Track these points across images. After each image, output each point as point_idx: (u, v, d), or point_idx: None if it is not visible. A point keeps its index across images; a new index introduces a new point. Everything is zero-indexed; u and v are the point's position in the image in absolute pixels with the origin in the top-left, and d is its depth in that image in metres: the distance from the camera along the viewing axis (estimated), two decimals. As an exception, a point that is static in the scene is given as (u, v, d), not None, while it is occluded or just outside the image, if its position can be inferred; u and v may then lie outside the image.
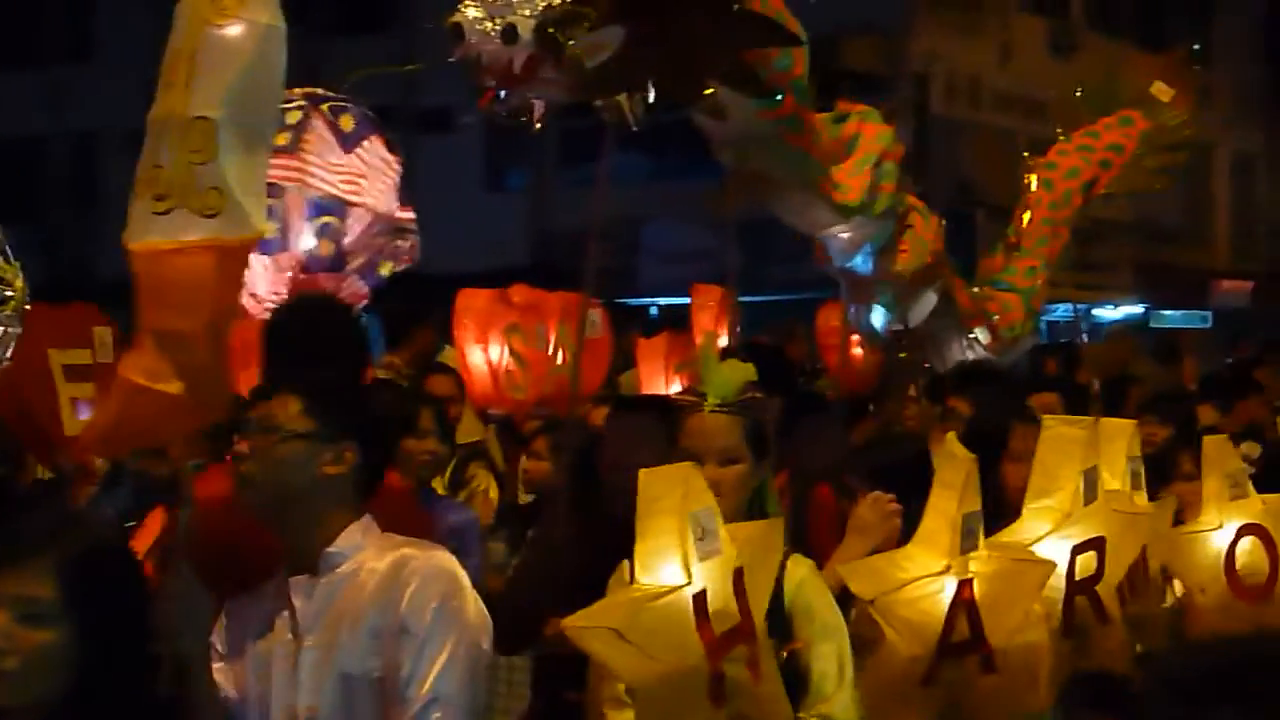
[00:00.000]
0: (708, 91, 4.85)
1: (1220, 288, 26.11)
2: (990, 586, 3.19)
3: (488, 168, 24.61)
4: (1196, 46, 9.40)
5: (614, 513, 4.05)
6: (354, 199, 5.98)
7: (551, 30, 4.17)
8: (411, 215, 6.15)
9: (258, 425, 3.11)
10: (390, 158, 6.10)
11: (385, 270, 6.13)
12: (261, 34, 3.43)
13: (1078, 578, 3.52)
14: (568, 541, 4.25)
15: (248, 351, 4.26)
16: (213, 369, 3.38)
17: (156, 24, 3.61)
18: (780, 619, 3.26)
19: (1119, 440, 3.83)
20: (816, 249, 6.72)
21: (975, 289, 7.65)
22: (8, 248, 6.20)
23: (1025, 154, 8.24)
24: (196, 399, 3.36)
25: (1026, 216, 7.87)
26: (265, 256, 5.96)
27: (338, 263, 5.96)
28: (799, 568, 3.43)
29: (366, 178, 6.06)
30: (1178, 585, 4.12)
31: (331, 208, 5.91)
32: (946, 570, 3.16)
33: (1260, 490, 4.12)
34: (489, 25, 4.20)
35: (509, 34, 4.17)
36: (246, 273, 3.85)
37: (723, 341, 7.06)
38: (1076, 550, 3.51)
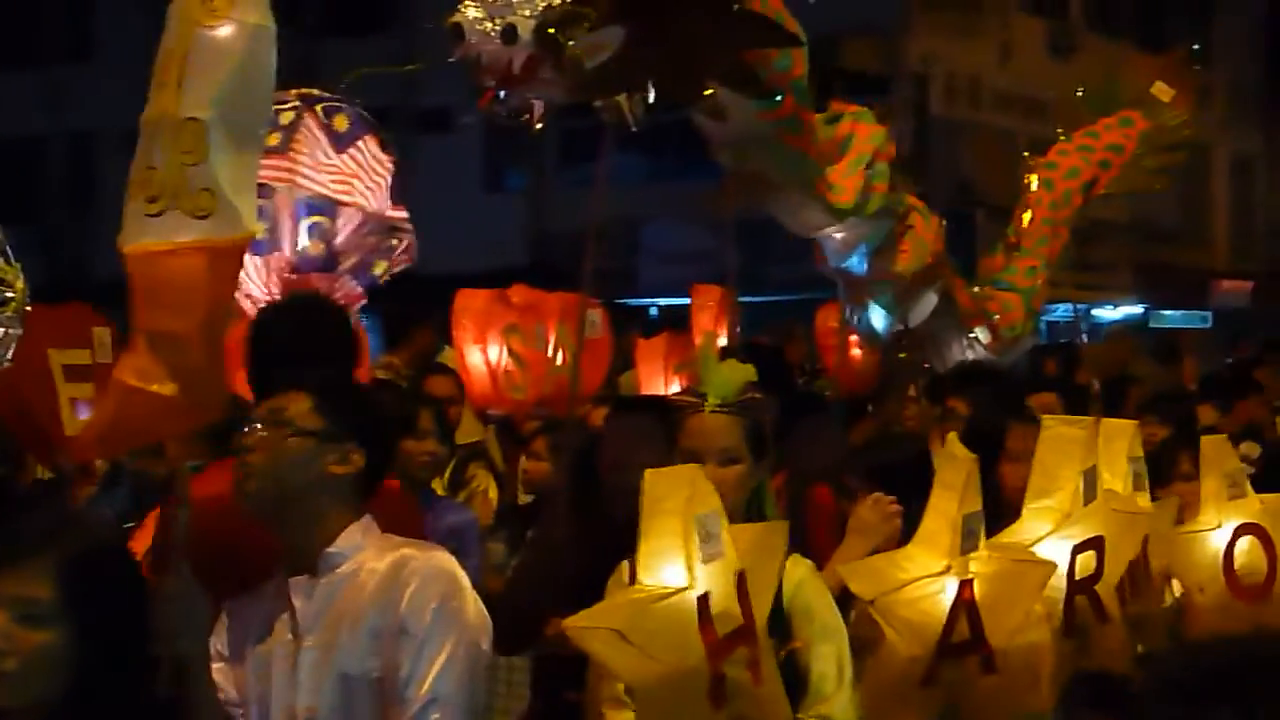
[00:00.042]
0: (707, 92, 4.84)
1: (1220, 288, 26.13)
2: (991, 587, 3.19)
3: (487, 168, 24.63)
4: (1196, 47, 9.38)
5: (613, 513, 4.06)
6: (344, 198, 5.97)
7: (551, 30, 4.17)
8: (404, 214, 6.14)
9: (267, 418, 3.11)
10: (383, 157, 6.09)
11: (379, 270, 6.11)
12: (251, 34, 3.42)
13: (1078, 577, 3.52)
14: (567, 542, 4.25)
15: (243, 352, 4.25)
16: (207, 370, 3.37)
17: (155, 24, 3.60)
18: (779, 619, 3.26)
19: (1120, 441, 3.83)
20: (816, 249, 6.72)
21: (975, 289, 7.64)
22: (8, 249, 6.19)
23: (1025, 154, 8.23)
24: (191, 400, 3.35)
25: (1027, 216, 7.86)
26: (256, 257, 5.95)
27: (329, 263, 5.95)
28: (798, 568, 3.43)
29: (358, 177, 6.05)
30: (1176, 585, 4.12)
31: (321, 207, 5.90)
32: (947, 571, 3.16)
33: (1260, 490, 4.12)
34: (489, 25, 4.20)
35: (509, 34, 4.17)
36: (241, 274, 3.84)
37: (722, 342, 7.07)
38: (1076, 550, 3.51)
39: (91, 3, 26.81)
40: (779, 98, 5.20)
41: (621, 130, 4.56)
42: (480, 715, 3.11)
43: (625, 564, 3.42)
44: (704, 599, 2.81)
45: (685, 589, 2.80)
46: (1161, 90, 8.05)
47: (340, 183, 6.05)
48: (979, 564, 3.21)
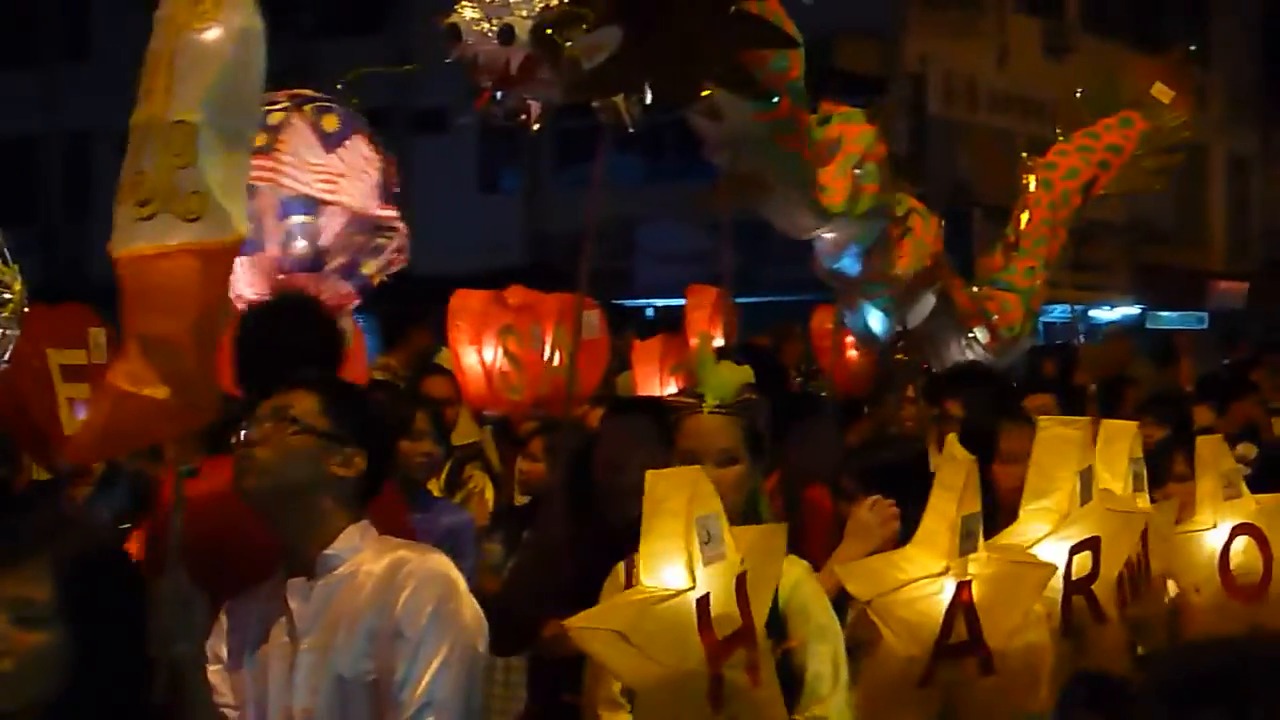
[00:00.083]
0: (704, 93, 4.84)
1: (1216, 289, 26.17)
2: (989, 588, 3.18)
3: (483, 169, 24.64)
4: (1193, 48, 9.38)
5: (609, 514, 4.06)
6: (329, 198, 5.95)
7: (548, 31, 4.16)
8: (394, 213, 6.12)
9: (273, 414, 3.11)
10: (372, 156, 6.06)
11: (368, 270, 6.08)
12: (239, 36, 3.42)
13: (1074, 578, 3.52)
14: (564, 543, 4.25)
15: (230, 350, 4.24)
16: (199, 372, 3.37)
17: (152, 24, 3.61)
18: (775, 619, 3.26)
19: (1120, 442, 3.84)
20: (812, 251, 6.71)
21: (974, 289, 7.64)
22: (5, 249, 6.18)
23: (1024, 154, 8.23)
24: (184, 402, 3.35)
25: (1025, 216, 7.86)
26: (243, 258, 5.92)
27: (316, 263, 5.92)
28: (794, 568, 3.43)
29: (345, 176, 6.02)
30: (1172, 585, 4.12)
31: (305, 207, 5.87)
32: (945, 572, 3.15)
33: (1256, 491, 4.13)
34: (486, 26, 4.19)
35: (506, 35, 4.17)
36: (232, 275, 3.83)
37: (718, 343, 7.06)
38: (1073, 551, 3.51)
39: (88, 2, 26.81)
40: (775, 99, 5.20)
41: (618, 131, 4.56)
42: (476, 718, 3.11)
43: (621, 565, 3.42)
44: (704, 600, 2.81)
45: (686, 590, 2.80)
46: (1162, 91, 8.06)
47: (327, 182, 6.02)
48: (978, 565, 3.21)
